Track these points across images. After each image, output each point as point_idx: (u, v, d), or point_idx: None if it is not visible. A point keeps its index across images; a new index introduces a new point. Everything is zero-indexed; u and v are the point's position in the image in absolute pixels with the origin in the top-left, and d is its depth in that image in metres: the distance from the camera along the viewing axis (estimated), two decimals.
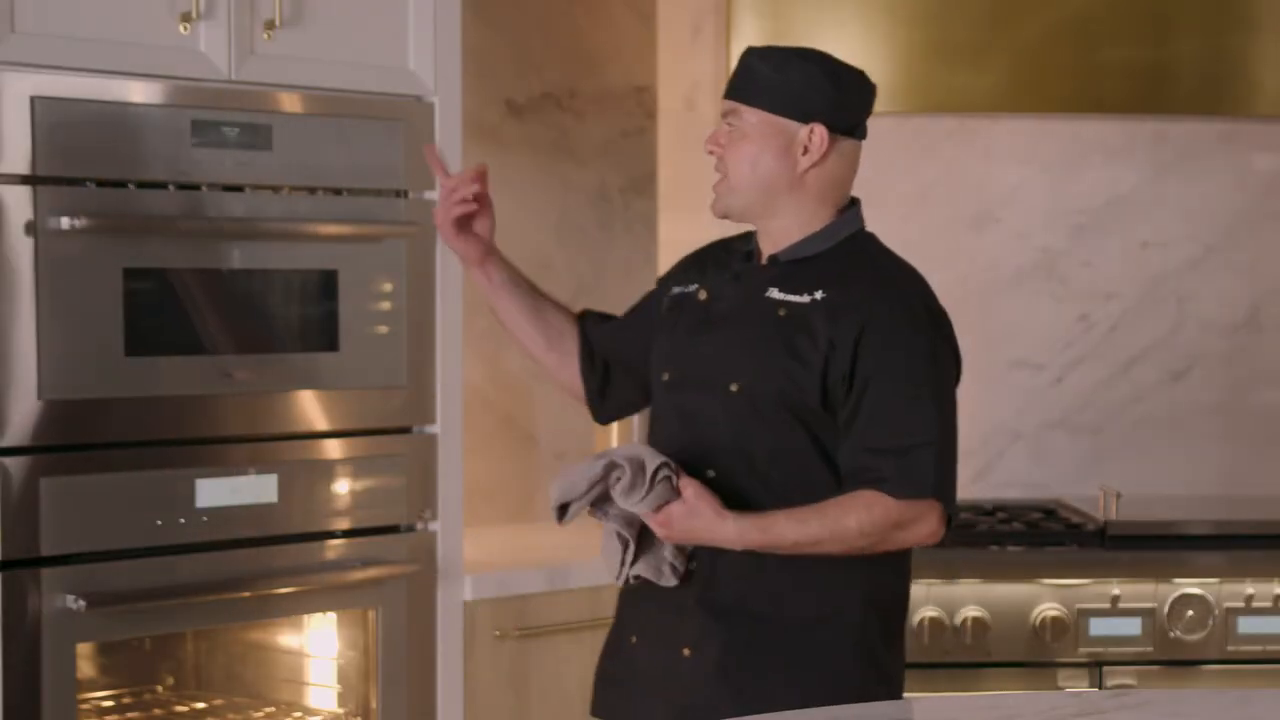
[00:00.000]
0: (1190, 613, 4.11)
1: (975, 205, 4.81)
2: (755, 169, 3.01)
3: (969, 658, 4.09)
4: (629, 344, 3.24)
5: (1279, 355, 4.85)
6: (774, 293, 3.01)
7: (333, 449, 3.65)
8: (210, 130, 3.46)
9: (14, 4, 3.23)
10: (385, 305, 3.71)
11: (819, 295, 2.98)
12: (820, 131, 3.00)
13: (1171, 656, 4.12)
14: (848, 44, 4.38)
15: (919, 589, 4.08)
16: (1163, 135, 4.81)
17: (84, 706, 3.62)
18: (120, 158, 3.35)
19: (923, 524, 2.96)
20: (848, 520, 2.92)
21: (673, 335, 3.11)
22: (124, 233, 3.36)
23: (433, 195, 3.76)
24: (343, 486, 3.66)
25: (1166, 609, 4.11)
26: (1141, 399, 4.84)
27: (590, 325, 3.29)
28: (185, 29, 3.43)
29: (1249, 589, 4.13)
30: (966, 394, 4.80)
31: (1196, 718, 2.62)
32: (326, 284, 3.66)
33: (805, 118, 3.00)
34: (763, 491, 2.99)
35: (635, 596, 3.09)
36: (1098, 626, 4.10)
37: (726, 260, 3.12)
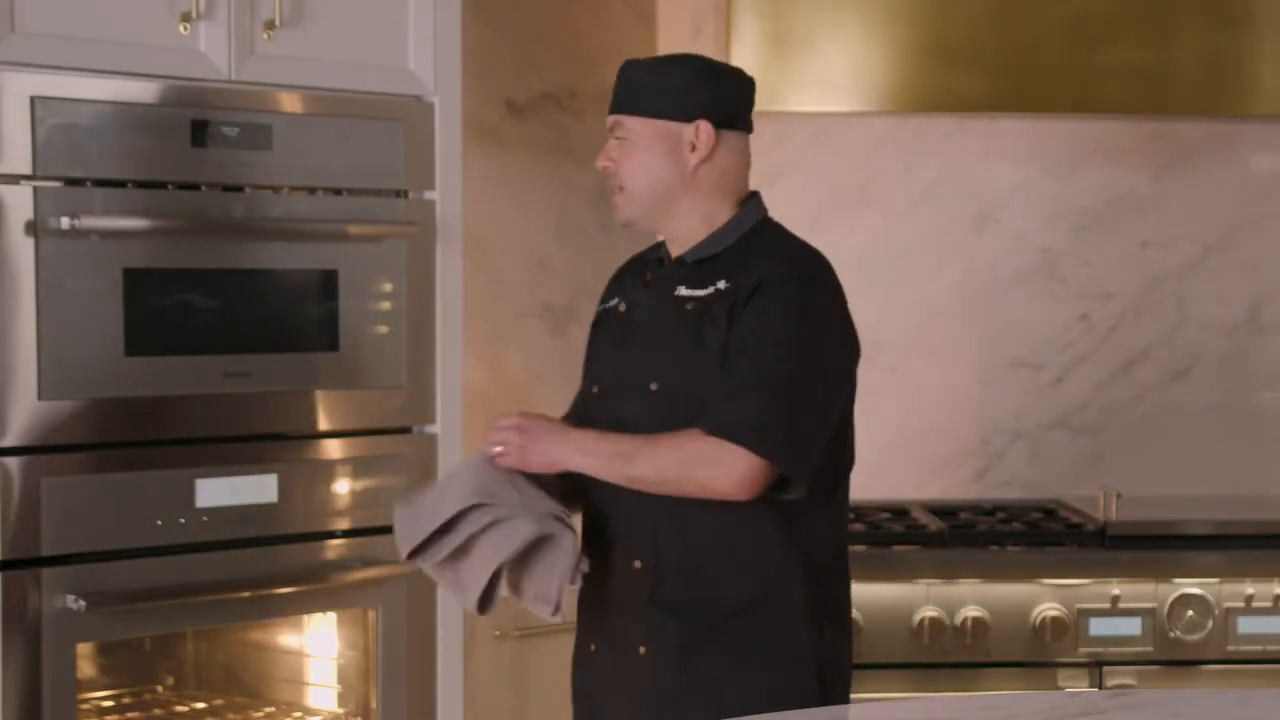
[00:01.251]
0: (1190, 613, 4.11)
1: (975, 205, 4.81)
2: (648, 174, 3.08)
3: (969, 658, 4.09)
4: None
5: (1279, 355, 4.86)
6: (682, 290, 3.07)
7: (333, 449, 3.65)
8: (210, 130, 3.46)
9: (14, 4, 3.23)
10: (385, 305, 3.71)
11: (721, 285, 3.03)
12: (705, 127, 3.07)
13: (1171, 656, 4.12)
14: (847, 44, 4.38)
15: (918, 589, 4.08)
16: (1163, 135, 4.81)
17: (84, 706, 3.62)
18: (120, 158, 3.35)
19: (727, 468, 2.92)
20: (662, 445, 2.96)
21: (598, 349, 3.19)
22: (124, 233, 3.35)
23: (432, 195, 3.77)
24: (343, 486, 3.66)
25: (1166, 609, 4.11)
26: (1141, 399, 4.84)
27: None
28: (185, 29, 3.43)
29: (1249, 589, 4.13)
30: (967, 394, 4.82)
31: (1196, 718, 2.62)
32: (326, 284, 3.65)
33: (689, 116, 3.07)
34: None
35: (590, 605, 3.14)
36: (1098, 626, 4.10)
37: (641, 270, 3.19)
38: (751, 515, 2.99)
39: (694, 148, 3.07)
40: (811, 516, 3.04)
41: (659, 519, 3.04)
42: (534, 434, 3.03)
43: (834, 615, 3.09)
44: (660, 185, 3.08)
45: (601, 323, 3.21)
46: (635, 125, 3.09)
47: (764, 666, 3.01)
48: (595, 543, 3.10)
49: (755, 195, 3.17)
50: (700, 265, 3.07)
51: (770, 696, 2.99)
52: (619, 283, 3.23)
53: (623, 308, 3.15)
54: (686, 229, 3.10)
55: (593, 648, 3.15)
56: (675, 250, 3.13)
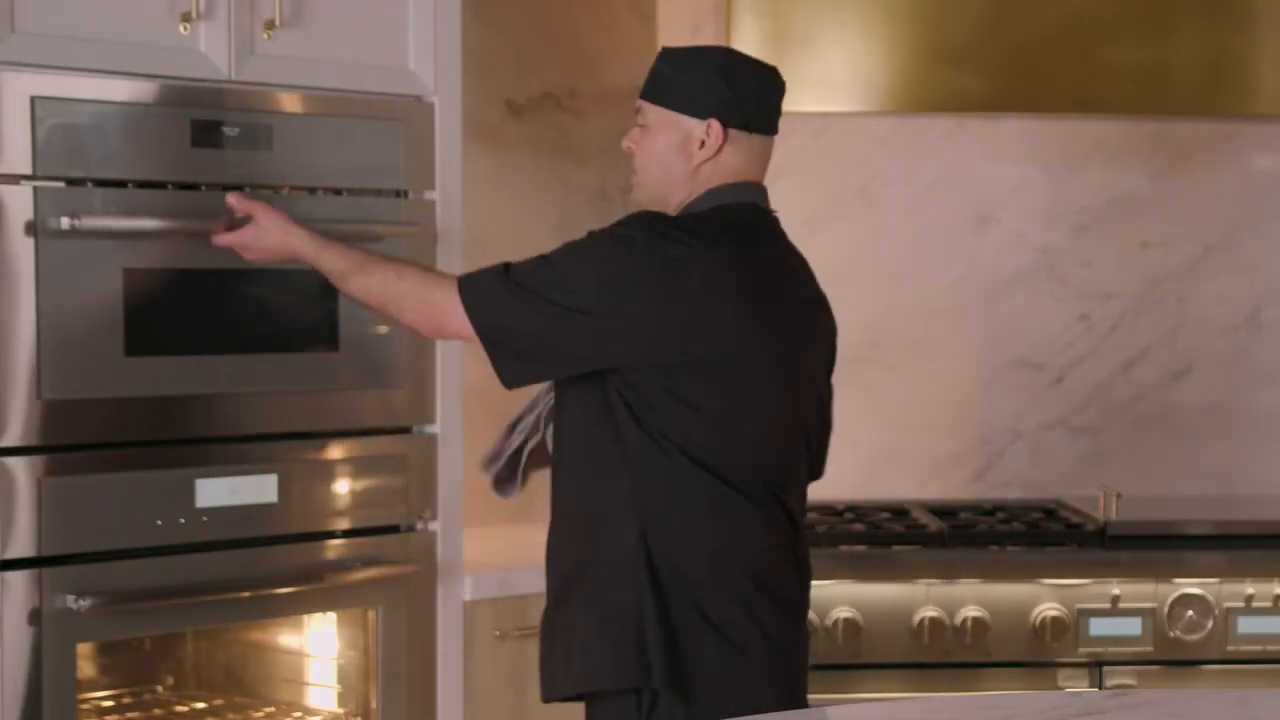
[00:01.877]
0: (1190, 613, 4.11)
1: (975, 205, 4.81)
2: (658, 163, 3.16)
3: (969, 658, 4.09)
4: None
5: (1279, 355, 4.86)
6: None
7: (333, 449, 3.65)
8: (210, 130, 3.46)
9: (14, 4, 3.23)
10: None
11: None
12: (715, 126, 3.12)
13: (1171, 656, 4.12)
14: (847, 44, 4.38)
15: (918, 589, 4.08)
16: (1163, 135, 4.81)
17: (84, 706, 3.62)
18: (120, 158, 3.35)
19: (433, 300, 3.13)
20: (396, 261, 3.25)
21: None
22: (124, 233, 3.35)
23: (432, 195, 3.77)
24: (343, 486, 3.66)
25: (1166, 609, 4.11)
26: (1141, 399, 4.85)
27: None
28: (185, 29, 3.43)
29: (1249, 589, 4.13)
30: (967, 394, 4.82)
31: (1196, 718, 2.62)
32: (326, 284, 3.65)
33: (702, 113, 3.12)
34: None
35: None
36: (1098, 626, 4.10)
37: None
38: (600, 493, 3.08)
39: (703, 145, 3.12)
40: (664, 512, 3.05)
41: (555, 487, 3.19)
42: (266, 226, 3.29)
43: (686, 612, 3.06)
44: (666, 175, 3.15)
45: None
46: (653, 114, 3.16)
47: (591, 613, 3.07)
48: None
49: (741, 189, 3.16)
50: None
51: (589, 638, 3.06)
52: None
53: None
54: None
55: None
56: None
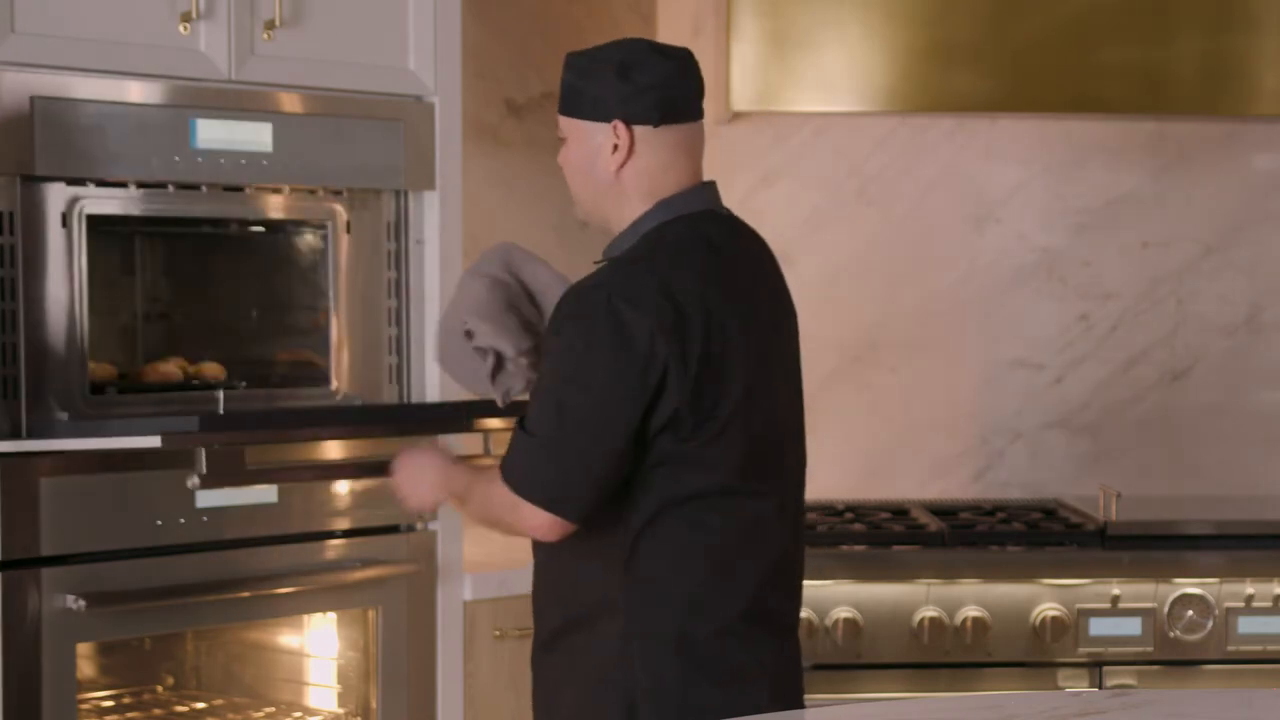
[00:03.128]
0: (1190, 613, 4.11)
1: (975, 205, 4.81)
2: (581, 175, 3.07)
3: (969, 658, 4.09)
4: None
5: (1279, 355, 4.86)
6: None
7: (333, 449, 3.64)
8: (210, 130, 3.46)
9: (14, 4, 3.23)
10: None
11: None
12: (620, 128, 3.01)
13: (1171, 656, 4.12)
14: (847, 44, 4.38)
15: (918, 589, 4.08)
16: (1163, 135, 4.81)
17: (84, 706, 3.62)
18: (120, 158, 3.35)
19: (523, 516, 2.96)
20: (480, 487, 3.05)
21: None
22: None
23: (432, 195, 3.76)
24: (343, 486, 3.66)
25: (1166, 609, 4.11)
26: (1141, 399, 4.85)
27: None
28: (185, 29, 3.43)
29: (1249, 589, 4.13)
30: (967, 394, 4.82)
31: (1196, 718, 2.62)
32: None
33: (605, 117, 3.02)
34: None
35: None
36: (1098, 626, 4.10)
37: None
38: (568, 546, 2.98)
39: (615, 149, 3.01)
40: (646, 550, 2.96)
41: None
42: (407, 474, 3.19)
43: (668, 653, 2.97)
44: (592, 187, 3.05)
45: None
46: (566, 126, 3.07)
47: (580, 688, 3.01)
48: None
49: (680, 194, 3.06)
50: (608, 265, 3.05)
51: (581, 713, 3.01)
52: None
53: None
54: (617, 229, 3.07)
55: None
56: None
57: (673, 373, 2.87)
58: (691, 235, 3.00)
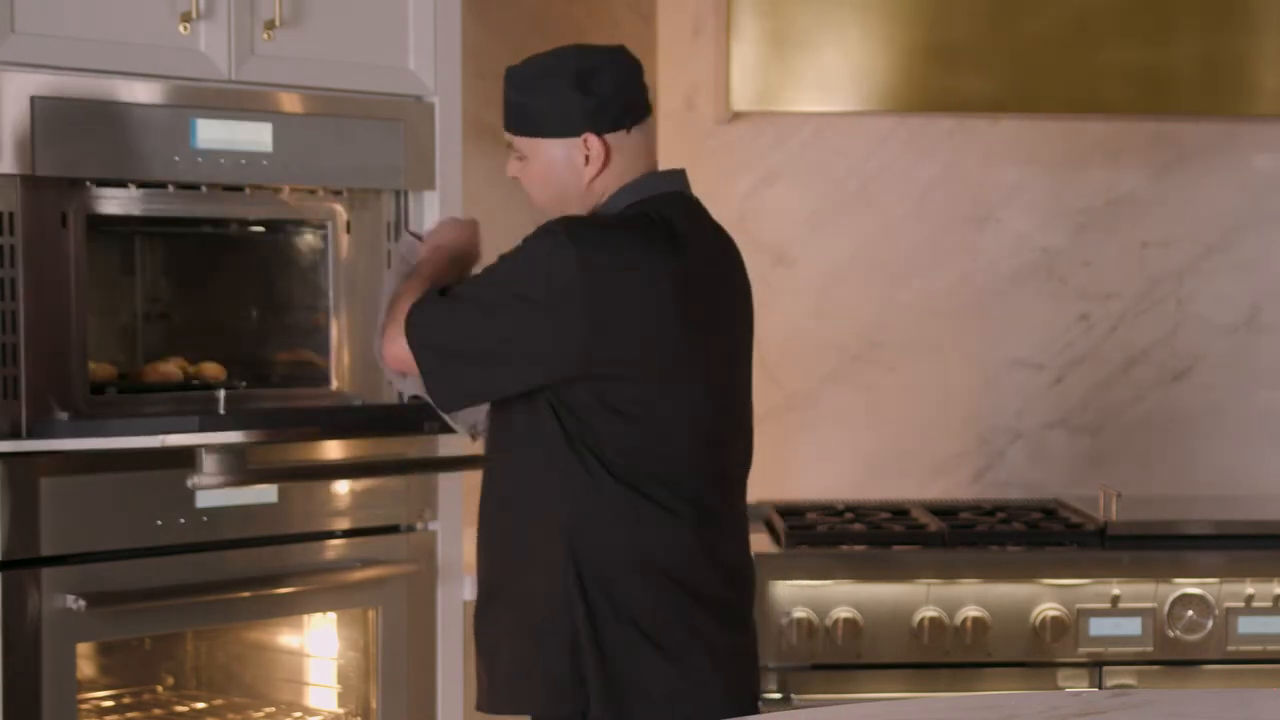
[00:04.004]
0: (1190, 613, 4.11)
1: (975, 205, 4.81)
2: (548, 188, 3.11)
3: (969, 658, 4.09)
4: None
5: (1279, 355, 4.86)
6: None
7: (333, 449, 3.64)
8: (210, 130, 3.46)
9: (14, 4, 3.23)
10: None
11: None
12: (592, 141, 3.05)
13: (1171, 656, 4.12)
14: (847, 44, 4.37)
15: (918, 589, 4.08)
16: (1163, 135, 4.81)
17: (84, 706, 3.62)
18: (120, 158, 3.35)
19: (391, 338, 3.08)
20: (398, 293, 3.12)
21: None
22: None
23: (432, 195, 3.77)
24: (343, 486, 3.66)
25: (1166, 609, 4.11)
26: (1141, 399, 4.85)
27: None
28: (185, 29, 3.43)
29: (1249, 589, 4.13)
30: (967, 394, 4.82)
31: (1196, 718, 2.62)
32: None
33: (574, 131, 3.05)
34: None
35: None
36: (1098, 626, 4.10)
37: None
38: (525, 505, 3.07)
39: (588, 160, 3.05)
40: (591, 516, 3.04)
41: (484, 486, 3.20)
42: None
43: (612, 617, 3.04)
44: (561, 196, 3.10)
45: None
46: (524, 145, 3.10)
47: (521, 636, 3.08)
48: None
49: (649, 178, 3.11)
50: None
51: (523, 666, 3.07)
52: None
53: None
54: None
55: None
56: None
57: None
58: (639, 219, 3.08)
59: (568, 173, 3.06)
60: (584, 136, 3.04)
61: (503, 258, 3.05)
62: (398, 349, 3.06)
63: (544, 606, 3.04)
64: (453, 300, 3.03)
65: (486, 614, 3.15)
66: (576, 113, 3.03)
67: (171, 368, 3.62)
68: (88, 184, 3.33)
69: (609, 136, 3.04)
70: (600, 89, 3.03)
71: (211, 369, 3.65)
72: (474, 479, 4.29)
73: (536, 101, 3.04)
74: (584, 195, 3.09)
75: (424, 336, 3.03)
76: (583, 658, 3.01)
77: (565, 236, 2.97)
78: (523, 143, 3.09)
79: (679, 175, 3.16)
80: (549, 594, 3.04)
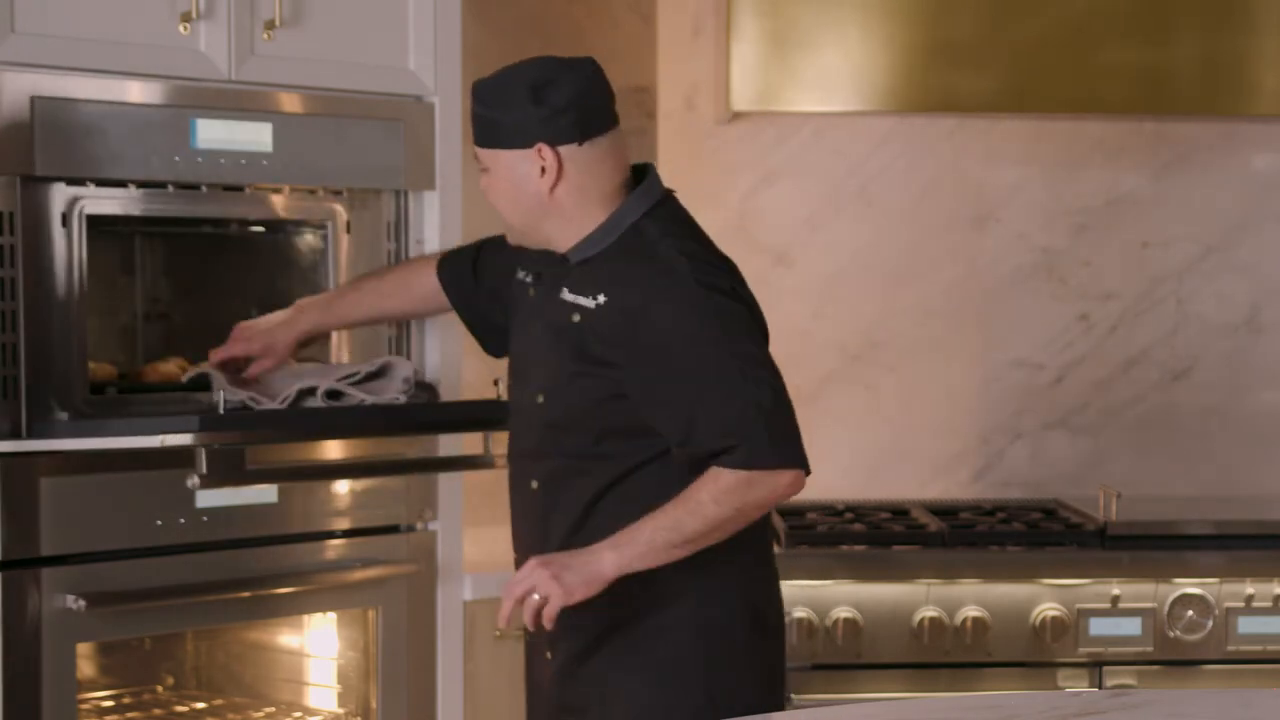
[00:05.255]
0: (1190, 613, 4.11)
1: (975, 205, 4.81)
2: (512, 202, 3.09)
3: (969, 658, 4.09)
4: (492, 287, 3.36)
5: (1279, 355, 4.86)
6: (565, 293, 3.07)
7: (333, 449, 3.64)
8: (210, 130, 3.46)
9: (14, 4, 3.23)
10: None
11: (602, 299, 3.02)
12: (545, 151, 3.03)
13: (1171, 656, 4.12)
14: (847, 44, 4.37)
15: (918, 589, 4.08)
16: (1163, 135, 4.81)
17: (84, 706, 3.62)
18: (120, 158, 3.35)
19: (775, 479, 2.97)
20: (698, 494, 2.95)
21: (513, 331, 3.22)
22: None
23: (432, 195, 3.77)
24: (342, 486, 3.66)
25: (1166, 609, 4.11)
26: (1141, 399, 4.84)
27: (451, 285, 3.44)
28: (185, 29, 3.43)
29: (1249, 589, 4.13)
30: (967, 394, 4.81)
31: (1196, 718, 2.62)
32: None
33: (527, 143, 3.03)
34: (576, 500, 3.06)
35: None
36: (1098, 626, 4.10)
37: (540, 256, 3.16)
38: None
39: (543, 171, 3.03)
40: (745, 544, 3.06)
41: (553, 527, 3.08)
42: (560, 564, 2.97)
43: (740, 626, 3.06)
44: (524, 211, 3.08)
45: (518, 294, 3.20)
46: (486, 158, 3.09)
47: (647, 682, 3.04)
48: (512, 532, 3.20)
49: (642, 182, 3.10)
50: (585, 266, 3.06)
51: (651, 713, 3.03)
52: (531, 255, 3.18)
53: (531, 292, 3.16)
54: (563, 244, 3.09)
55: (525, 635, 3.24)
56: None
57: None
58: (684, 215, 3.11)
59: (526, 188, 3.04)
60: (537, 147, 3.02)
61: (709, 359, 2.98)
62: (793, 477, 2.99)
63: (667, 641, 3.05)
64: (759, 411, 2.97)
65: (595, 654, 3.09)
66: (531, 123, 3.01)
67: (171, 367, 3.62)
68: (88, 184, 3.33)
69: (562, 149, 3.02)
70: (552, 100, 3.01)
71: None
72: (474, 479, 4.30)
73: (494, 114, 3.04)
74: (548, 207, 3.05)
75: (778, 439, 2.98)
76: (707, 685, 3.05)
77: (707, 297, 2.99)
78: (484, 155, 3.08)
79: (656, 185, 3.13)
80: (672, 630, 3.05)
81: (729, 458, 2.94)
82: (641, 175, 3.12)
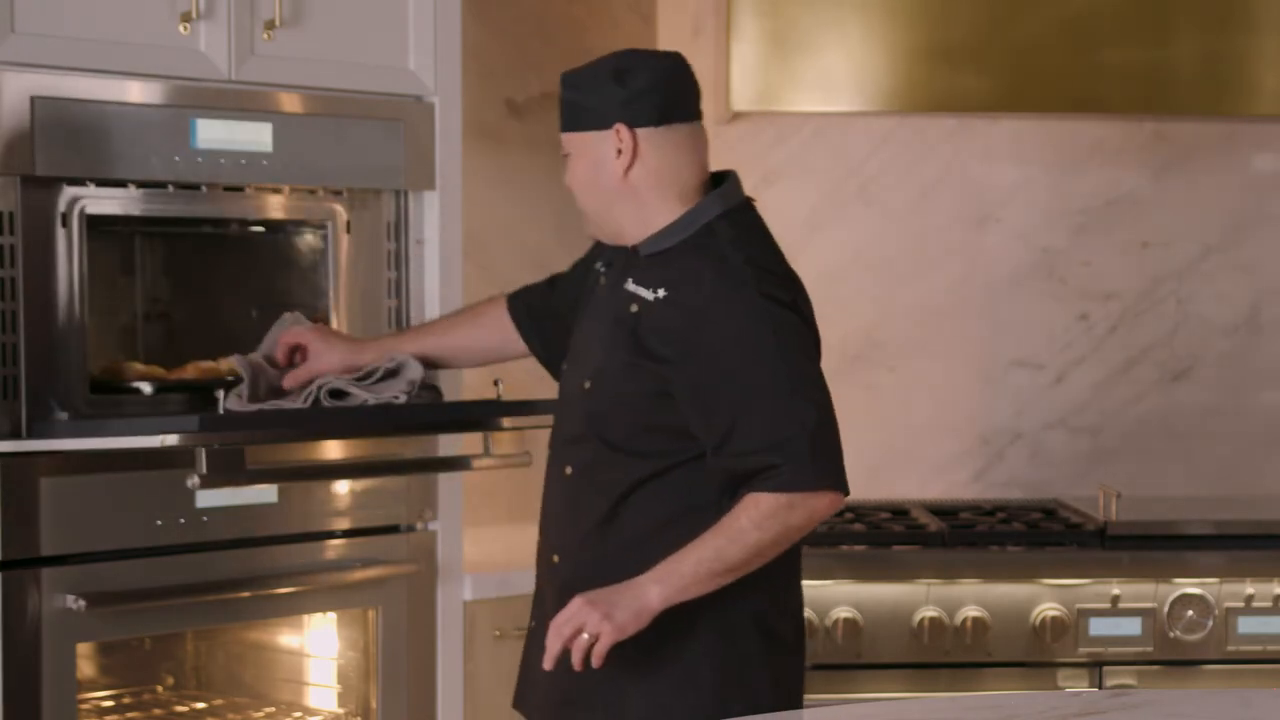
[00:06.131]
0: (1190, 613, 4.11)
1: (975, 205, 4.81)
2: (590, 187, 3.09)
3: (969, 658, 4.09)
4: (562, 317, 3.32)
5: (1279, 355, 4.86)
6: (629, 284, 3.07)
7: (333, 449, 3.65)
8: (210, 130, 3.46)
9: (14, 4, 3.23)
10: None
11: (662, 293, 3.02)
12: (622, 130, 3.04)
13: (1171, 656, 4.12)
14: (847, 44, 4.38)
15: (918, 589, 4.08)
16: (1163, 135, 4.81)
17: (84, 706, 3.62)
18: (120, 158, 3.35)
19: (815, 501, 2.96)
20: (739, 520, 2.94)
21: (577, 325, 3.20)
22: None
23: (432, 195, 3.77)
24: (342, 486, 3.66)
25: (1166, 609, 4.11)
26: (1141, 399, 4.85)
27: (521, 313, 3.40)
28: (185, 29, 3.43)
29: (1249, 589, 4.13)
30: (967, 394, 4.82)
31: (1196, 718, 2.62)
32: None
33: (606, 124, 3.05)
34: (608, 490, 3.04)
35: (536, 585, 3.18)
36: (1098, 626, 4.10)
37: (613, 249, 3.18)
38: (685, 537, 2.98)
39: (619, 153, 3.04)
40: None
41: (582, 515, 3.07)
42: (606, 601, 2.94)
43: (755, 623, 3.06)
44: (603, 196, 3.08)
45: (589, 279, 3.21)
46: (569, 141, 3.10)
47: (661, 682, 3.03)
48: (540, 522, 3.17)
49: (720, 185, 3.11)
50: (652, 260, 3.06)
51: (665, 713, 3.02)
52: (603, 253, 3.21)
53: (602, 281, 3.16)
54: (632, 234, 3.09)
55: (533, 624, 3.20)
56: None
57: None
58: (760, 225, 3.13)
59: (603, 169, 3.05)
60: (615, 127, 3.04)
61: (764, 368, 2.98)
62: (830, 497, 2.98)
63: (737, 636, 3.05)
64: (801, 411, 2.96)
65: (675, 634, 3.04)
66: (611, 104, 3.04)
67: (212, 364, 3.58)
68: (88, 184, 3.33)
69: (639, 130, 3.04)
70: (634, 82, 3.05)
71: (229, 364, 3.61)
72: (474, 479, 4.30)
73: (578, 97, 3.07)
74: (622, 191, 3.06)
75: (822, 458, 2.98)
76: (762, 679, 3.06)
77: (768, 307, 3.00)
78: (567, 140, 3.10)
79: (736, 190, 3.14)
80: (739, 629, 3.04)
81: (767, 480, 2.93)
82: (721, 181, 3.14)
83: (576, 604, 2.93)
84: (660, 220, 3.07)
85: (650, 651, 3.01)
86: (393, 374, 3.39)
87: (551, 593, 3.10)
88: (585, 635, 2.91)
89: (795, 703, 3.12)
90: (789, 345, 3.00)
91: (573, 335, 3.20)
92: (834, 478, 2.96)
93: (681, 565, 2.94)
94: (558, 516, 3.12)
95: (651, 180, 3.06)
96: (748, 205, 3.14)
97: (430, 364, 3.41)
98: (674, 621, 2.98)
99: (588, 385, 3.07)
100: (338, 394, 3.35)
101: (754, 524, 2.93)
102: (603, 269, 3.18)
